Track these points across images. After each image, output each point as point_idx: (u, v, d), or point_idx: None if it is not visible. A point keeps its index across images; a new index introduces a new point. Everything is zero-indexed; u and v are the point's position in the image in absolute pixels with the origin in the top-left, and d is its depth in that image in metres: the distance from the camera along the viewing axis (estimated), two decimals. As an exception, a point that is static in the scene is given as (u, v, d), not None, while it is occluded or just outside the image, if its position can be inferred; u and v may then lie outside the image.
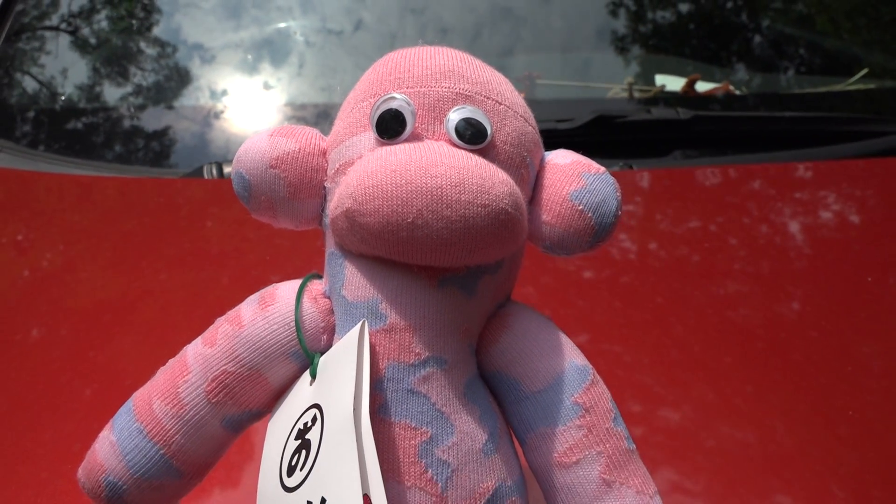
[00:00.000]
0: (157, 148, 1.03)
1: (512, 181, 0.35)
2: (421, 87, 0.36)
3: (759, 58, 1.26)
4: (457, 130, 0.35)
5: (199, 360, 0.38)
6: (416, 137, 0.35)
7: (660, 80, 1.12)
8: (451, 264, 0.35)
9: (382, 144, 0.35)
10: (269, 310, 0.37)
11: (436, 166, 0.33)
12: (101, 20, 1.23)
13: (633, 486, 0.36)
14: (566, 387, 0.37)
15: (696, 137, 0.96)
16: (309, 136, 0.38)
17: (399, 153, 0.34)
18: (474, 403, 0.36)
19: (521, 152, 0.37)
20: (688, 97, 1.07)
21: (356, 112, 0.37)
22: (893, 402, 0.63)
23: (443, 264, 0.35)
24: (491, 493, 0.35)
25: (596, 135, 0.92)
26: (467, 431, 0.35)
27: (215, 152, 1.01)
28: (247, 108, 1.09)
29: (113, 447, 0.38)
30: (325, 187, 0.38)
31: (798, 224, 0.84)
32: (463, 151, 0.35)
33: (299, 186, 0.37)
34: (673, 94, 1.08)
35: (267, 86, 1.12)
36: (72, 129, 1.05)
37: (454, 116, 0.36)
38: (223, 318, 0.39)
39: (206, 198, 0.89)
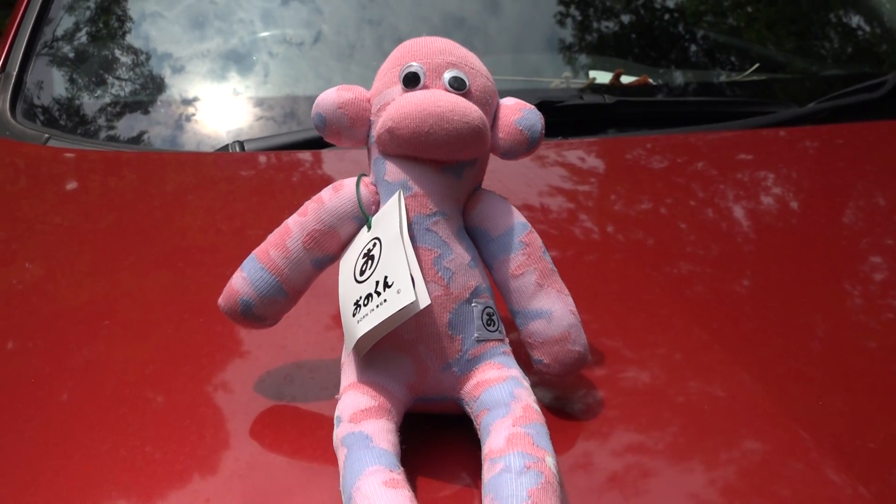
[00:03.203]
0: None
1: (481, 112, 0.64)
2: (427, 59, 0.65)
3: (673, 56, 1.57)
4: (449, 83, 0.64)
5: (297, 224, 0.65)
6: (425, 87, 0.64)
7: (592, 74, 1.42)
8: (447, 158, 0.63)
9: (406, 91, 0.64)
10: (340, 192, 0.65)
11: (440, 101, 0.61)
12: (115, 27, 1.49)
13: (554, 288, 0.64)
14: (515, 232, 0.64)
15: (620, 118, 1.24)
16: (360, 90, 0.66)
17: (418, 95, 0.62)
18: (463, 240, 0.64)
19: (486, 97, 0.66)
20: (614, 87, 1.32)
21: (389, 74, 0.66)
22: (851, 355, 0.70)
23: (443, 158, 0.63)
24: (474, 287, 0.62)
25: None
26: (460, 253, 0.63)
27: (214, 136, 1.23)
28: (220, 107, 1.31)
29: (245, 280, 0.64)
30: (370, 120, 0.66)
31: (701, 185, 1.07)
32: (454, 94, 0.63)
33: (356, 119, 0.66)
34: (602, 85, 1.35)
35: (236, 91, 1.30)
36: (108, 119, 1.31)
37: (447, 75, 0.64)
38: (309, 200, 0.66)
39: (187, 183, 1.04)
